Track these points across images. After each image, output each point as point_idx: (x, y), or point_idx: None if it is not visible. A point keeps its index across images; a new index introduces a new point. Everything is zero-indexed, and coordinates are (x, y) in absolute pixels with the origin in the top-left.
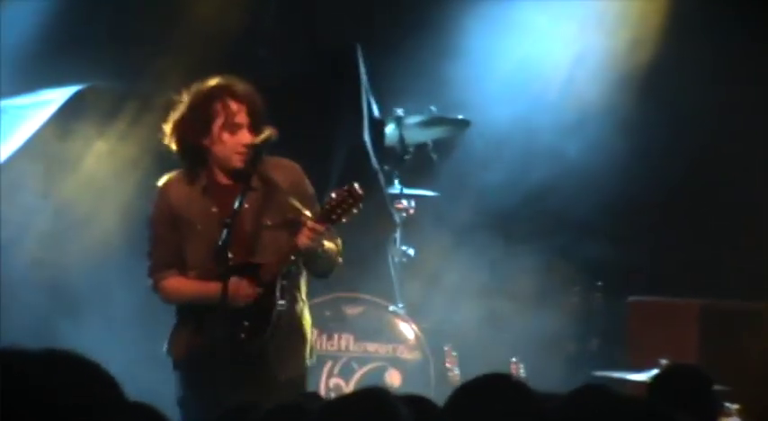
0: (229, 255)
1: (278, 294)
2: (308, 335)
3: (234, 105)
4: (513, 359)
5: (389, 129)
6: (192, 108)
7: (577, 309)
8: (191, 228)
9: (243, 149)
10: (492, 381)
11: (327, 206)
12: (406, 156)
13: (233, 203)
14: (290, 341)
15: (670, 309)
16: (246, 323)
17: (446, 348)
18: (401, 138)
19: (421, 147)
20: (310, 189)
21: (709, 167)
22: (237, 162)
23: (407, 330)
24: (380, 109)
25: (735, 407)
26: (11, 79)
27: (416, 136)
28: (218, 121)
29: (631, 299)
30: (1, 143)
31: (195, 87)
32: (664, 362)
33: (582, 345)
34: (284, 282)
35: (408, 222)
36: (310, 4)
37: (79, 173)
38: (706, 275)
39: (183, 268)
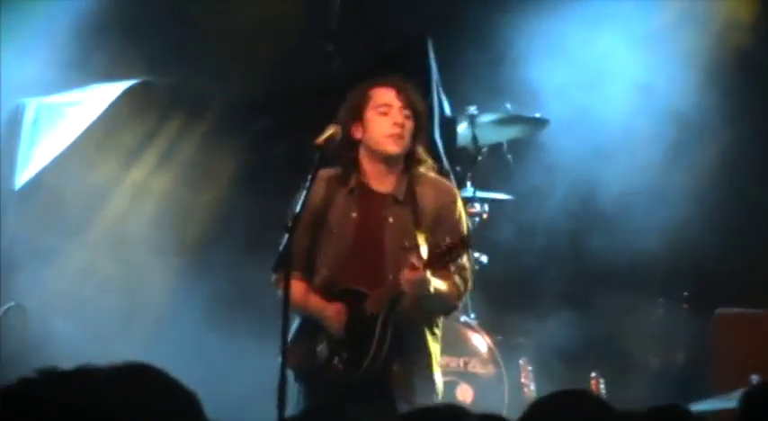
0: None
1: (380, 327)
2: (433, 354)
3: (382, 89)
4: (593, 374)
5: (462, 128)
6: (346, 101)
7: (662, 321)
8: (327, 231)
9: (395, 130)
10: (568, 398)
11: (438, 250)
12: (480, 157)
13: (377, 212)
14: (411, 363)
15: (761, 321)
16: (345, 354)
17: (521, 362)
18: (474, 138)
19: (495, 147)
20: (457, 218)
21: None
22: (390, 146)
23: (480, 342)
24: (452, 106)
25: None
26: (54, 75)
27: (491, 135)
28: (369, 105)
29: (720, 311)
30: (40, 142)
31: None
32: (755, 378)
33: (666, 360)
34: (389, 315)
35: (481, 227)
36: None
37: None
38: None
39: (309, 271)
